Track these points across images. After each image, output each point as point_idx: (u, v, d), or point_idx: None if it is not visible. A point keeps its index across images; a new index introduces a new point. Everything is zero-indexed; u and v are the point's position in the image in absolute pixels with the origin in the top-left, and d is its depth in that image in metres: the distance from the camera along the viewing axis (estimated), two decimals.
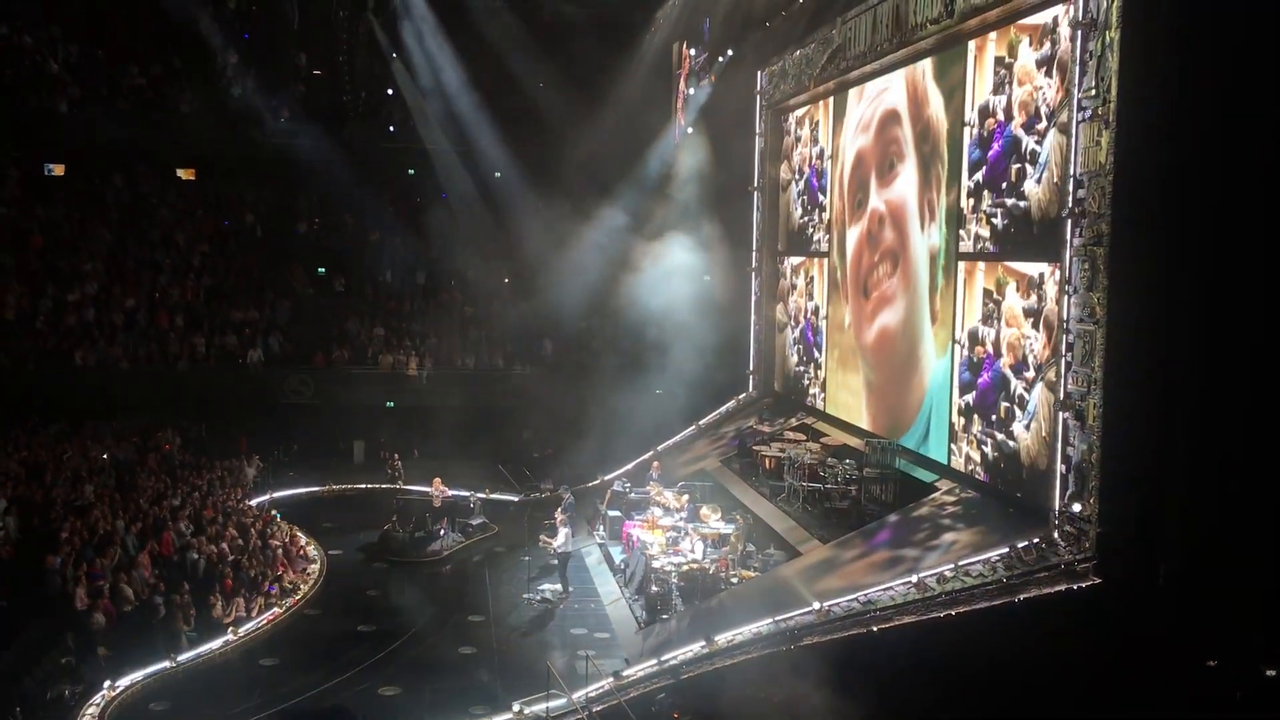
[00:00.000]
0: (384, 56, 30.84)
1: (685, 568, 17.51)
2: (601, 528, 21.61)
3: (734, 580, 17.29)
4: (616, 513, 21.43)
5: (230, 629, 16.34)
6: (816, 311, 23.94)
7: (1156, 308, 12.58)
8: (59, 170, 31.28)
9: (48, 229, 29.44)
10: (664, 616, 16.82)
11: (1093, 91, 13.06)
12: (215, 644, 16.01)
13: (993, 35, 16.41)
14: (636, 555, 18.86)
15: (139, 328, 27.69)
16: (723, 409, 26.52)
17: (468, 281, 31.35)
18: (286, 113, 31.15)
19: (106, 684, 14.30)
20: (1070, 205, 13.49)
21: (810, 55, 23.00)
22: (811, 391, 24.17)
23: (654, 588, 17.28)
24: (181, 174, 32.21)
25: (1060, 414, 13.73)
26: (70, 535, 17.62)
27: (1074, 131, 13.45)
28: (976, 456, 16.80)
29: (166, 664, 15.15)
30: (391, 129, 32.06)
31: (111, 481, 21.24)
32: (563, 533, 19.14)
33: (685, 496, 20.90)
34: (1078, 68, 13.37)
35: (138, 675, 14.77)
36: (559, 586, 18.89)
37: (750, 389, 27.08)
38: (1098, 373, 12.99)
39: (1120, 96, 12.57)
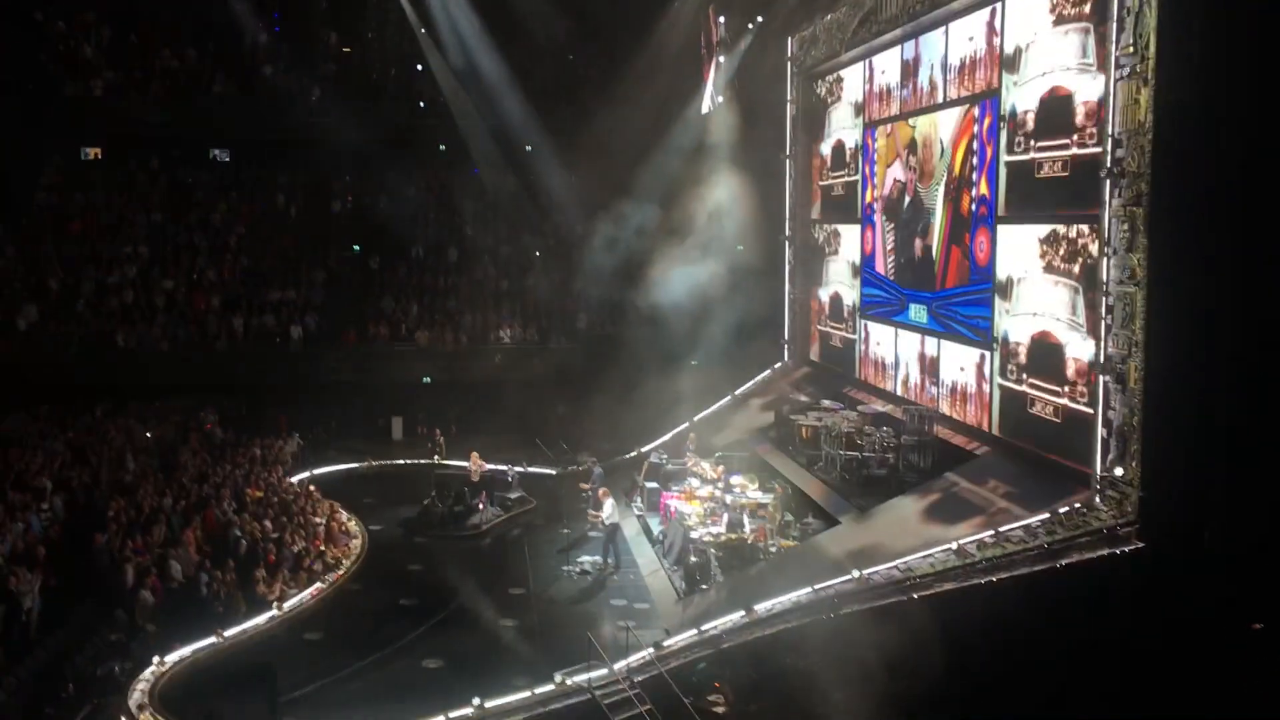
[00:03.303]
0: (413, 32, 30.80)
1: (723, 539, 17.52)
2: (639, 499, 21.65)
3: (773, 550, 17.29)
4: (654, 484, 21.46)
5: (275, 605, 16.54)
6: (853, 276, 23.77)
7: (1197, 268, 12.39)
8: (96, 154, 31.61)
9: (87, 213, 29.79)
10: (703, 587, 16.83)
11: (1130, 48, 12.81)
12: (260, 619, 16.21)
13: None
14: (674, 526, 18.88)
15: (178, 309, 28.00)
16: (758, 379, 26.44)
17: (500, 256, 31.41)
18: (318, 92, 31.25)
19: (155, 660, 14.53)
20: (1109, 165, 13.27)
21: (841, 20, 22.74)
22: (848, 359, 24.02)
23: (693, 558, 17.29)
24: (216, 155, 32.44)
25: (1101, 377, 13.57)
26: (117, 514, 17.92)
27: (1112, 89, 13.21)
28: (1016, 420, 16.66)
29: (214, 640, 15.38)
30: (422, 105, 32.09)
31: (155, 461, 21.55)
32: (608, 504, 19.20)
33: (722, 467, 20.89)
34: (1115, 24, 13.11)
35: (186, 651, 14.99)
36: (598, 558, 18.95)
37: (785, 358, 26.97)
38: (1138, 335, 12.82)
39: (1159, 53, 12.33)
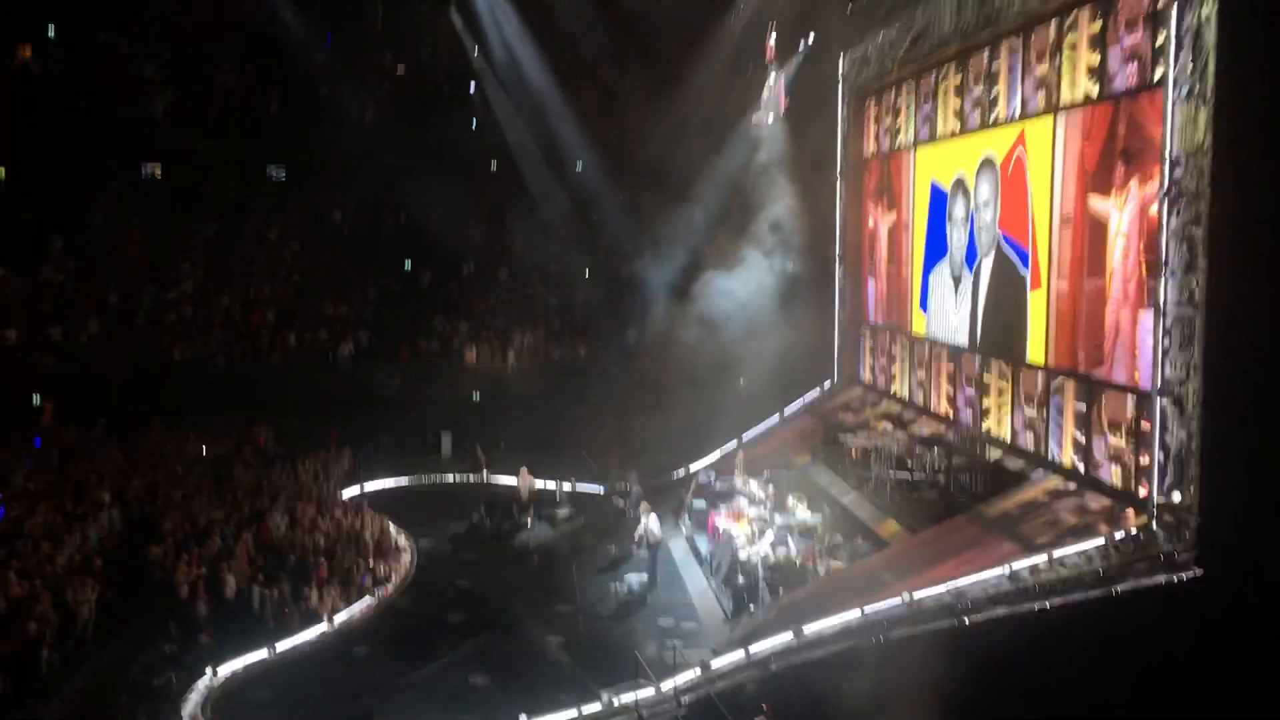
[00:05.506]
0: (465, 51, 31.12)
1: (772, 559, 17.43)
2: (687, 518, 21.58)
3: (821, 571, 17.16)
4: (702, 504, 21.38)
5: (325, 619, 16.68)
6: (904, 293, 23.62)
7: (1258, 290, 12.17)
8: (155, 171, 32.19)
9: (145, 229, 30.33)
10: (751, 608, 16.75)
11: (1189, 68, 12.64)
12: (311, 633, 16.36)
13: (1080, 14, 15.98)
14: (723, 546, 18.81)
15: (233, 324, 28.43)
16: (807, 398, 26.30)
17: (550, 273, 31.56)
18: (372, 111, 31.64)
19: (208, 672, 14.71)
20: (1167, 185, 13.09)
21: (893, 39, 22.64)
22: (893, 377, 23.83)
23: (741, 579, 17.22)
24: (272, 172, 32.96)
25: (1158, 400, 13.34)
26: (172, 527, 18.19)
27: (1170, 110, 13.04)
28: (1070, 444, 16.43)
29: (265, 653, 15.54)
30: (474, 122, 32.37)
31: (209, 474, 21.85)
32: (644, 521, 19.15)
33: (771, 487, 20.77)
34: (1174, 44, 12.95)
35: (238, 664, 15.17)
36: (645, 576, 18.91)
37: (834, 377, 26.81)
38: (1197, 358, 12.61)
39: (1219, 73, 12.16)
